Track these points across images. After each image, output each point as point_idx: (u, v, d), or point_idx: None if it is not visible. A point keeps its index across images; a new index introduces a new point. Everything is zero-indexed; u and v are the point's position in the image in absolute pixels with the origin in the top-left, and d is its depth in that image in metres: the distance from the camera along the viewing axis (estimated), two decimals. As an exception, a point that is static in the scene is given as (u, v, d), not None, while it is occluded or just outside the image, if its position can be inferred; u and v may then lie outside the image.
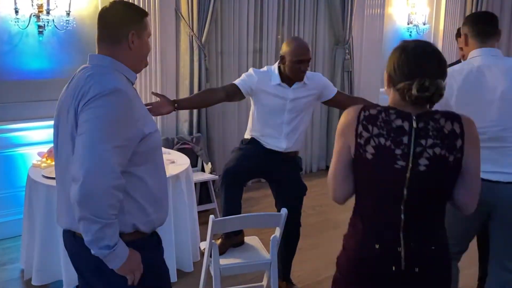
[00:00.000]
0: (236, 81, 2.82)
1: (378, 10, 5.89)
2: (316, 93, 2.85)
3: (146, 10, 1.73)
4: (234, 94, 2.80)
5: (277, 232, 2.52)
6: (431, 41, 6.59)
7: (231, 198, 2.74)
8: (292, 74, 2.73)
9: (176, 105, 2.58)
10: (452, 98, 2.14)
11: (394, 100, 1.53)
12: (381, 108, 1.51)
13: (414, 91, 1.44)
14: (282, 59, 2.74)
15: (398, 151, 1.46)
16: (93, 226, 1.47)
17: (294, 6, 5.23)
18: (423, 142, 1.46)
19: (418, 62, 1.46)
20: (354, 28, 5.63)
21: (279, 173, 2.88)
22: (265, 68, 2.87)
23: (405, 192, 1.48)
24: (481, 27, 2.26)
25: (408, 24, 6.22)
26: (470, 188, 1.53)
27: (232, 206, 2.73)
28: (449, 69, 2.04)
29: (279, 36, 5.22)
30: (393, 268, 1.51)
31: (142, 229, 1.64)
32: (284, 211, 2.47)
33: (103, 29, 1.66)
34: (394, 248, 1.50)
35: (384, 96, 6.27)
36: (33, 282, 2.98)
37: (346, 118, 1.55)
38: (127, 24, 1.63)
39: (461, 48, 3.05)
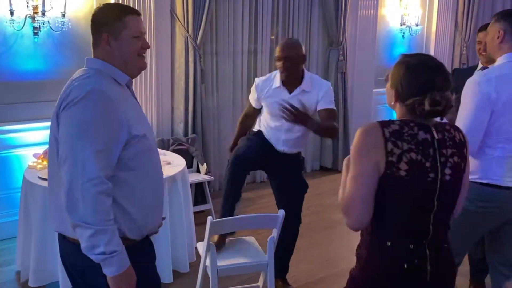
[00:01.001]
0: (249, 97, 3.06)
1: (372, 12, 5.94)
2: (315, 102, 2.85)
3: (137, 10, 1.70)
4: (253, 110, 3.04)
5: (274, 233, 2.55)
6: (424, 42, 6.67)
7: (235, 181, 2.85)
8: (279, 72, 2.84)
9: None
10: (498, 104, 2.05)
11: (403, 114, 1.55)
12: (400, 123, 1.50)
13: (426, 106, 1.46)
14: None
15: (427, 164, 1.49)
16: (85, 233, 1.48)
17: (289, 8, 5.26)
18: (444, 152, 1.51)
19: (427, 77, 1.49)
20: (348, 29, 5.66)
21: (281, 169, 2.93)
22: (267, 75, 3.00)
23: (435, 203, 1.51)
24: None
25: (401, 25, 6.27)
26: (464, 194, 1.62)
27: (233, 189, 2.85)
28: (492, 73, 2.06)
29: (272, 37, 5.25)
30: (419, 280, 1.53)
31: (129, 236, 1.62)
32: (281, 212, 2.50)
33: (92, 34, 1.68)
34: (423, 265, 1.52)
35: (377, 96, 6.27)
36: (30, 284, 2.98)
37: (368, 137, 1.49)
38: (101, 27, 1.64)
39: (478, 48, 3.05)
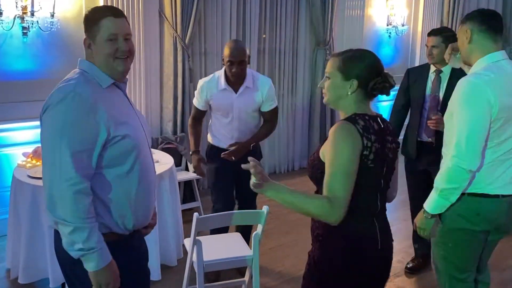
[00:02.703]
0: (194, 101, 3.18)
1: (358, 12, 6.02)
2: (260, 100, 3.03)
3: (120, 11, 1.71)
4: (201, 113, 3.17)
5: (259, 229, 2.62)
6: (410, 42, 6.78)
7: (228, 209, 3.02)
8: (229, 74, 2.96)
9: (199, 153, 3.17)
10: (494, 108, 1.92)
11: (356, 104, 1.70)
12: (358, 117, 1.66)
13: (386, 84, 1.66)
14: (222, 61, 2.97)
15: (385, 150, 1.69)
16: (64, 229, 1.55)
17: (276, 8, 5.32)
18: (387, 138, 1.71)
19: (377, 63, 1.71)
20: (335, 29, 5.74)
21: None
22: (210, 76, 3.10)
23: (382, 182, 1.71)
24: (494, 23, 2.02)
25: (387, 25, 6.36)
26: (397, 173, 1.88)
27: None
28: (479, 78, 1.91)
29: (264, 36, 5.31)
30: (374, 248, 1.71)
31: (115, 231, 1.68)
32: (266, 208, 2.58)
33: None
34: (375, 236, 1.71)
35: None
36: (20, 281, 3.01)
37: (353, 137, 1.59)
38: (84, 30, 1.70)
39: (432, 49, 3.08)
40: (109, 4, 3.98)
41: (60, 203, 1.53)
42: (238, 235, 2.92)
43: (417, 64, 6.63)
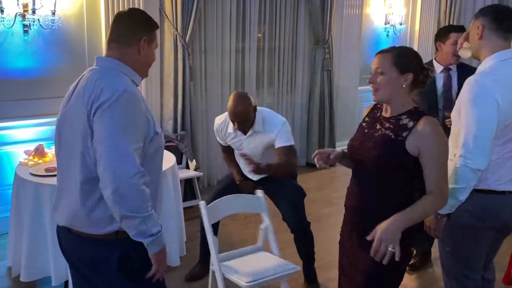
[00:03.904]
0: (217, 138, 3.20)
1: (357, 11, 6.05)
2: (271, 140, 2.92)
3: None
4: (227, 148, 3.19)
5: (266, 219, 2.68)
6: (407, 40, 6.81)
7: None
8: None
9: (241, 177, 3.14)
10: (502, 107, 1.91)
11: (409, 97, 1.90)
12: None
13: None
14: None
15: None
16: (134, 222, 1.57)
17: (275, 7, 5.34)
18: None
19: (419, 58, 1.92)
20: (333, 28, 5.76)
21: (273, 185, 3.03)
22: (224, 116, 3.06)
23: None
24: (506, 22, 2.00)
25: (385, 24, 6.39)
26: None
27: None
28: (487, 77, 1.90)
29: (259, 35, 5.33)
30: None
31: None
32: (261, 192, 2.73)
33: (117, 31, 1.72)
34: None
35: (361, 94, 6.36)
36: (22, 279, 3.01)
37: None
38: (141, 30, 1.71)
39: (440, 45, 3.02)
40: (109, 2, 3.99)
41: (130, 196, 1.55)
42: (264, 254, 2.78)
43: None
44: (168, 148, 4.14)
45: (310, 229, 3.02)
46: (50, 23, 3.75)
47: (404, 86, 1.78)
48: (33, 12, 3.61)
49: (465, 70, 2.92)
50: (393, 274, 1.86)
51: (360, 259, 1.88)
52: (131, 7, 4.05)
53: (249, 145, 2.98)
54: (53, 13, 3.73)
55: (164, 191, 3.17)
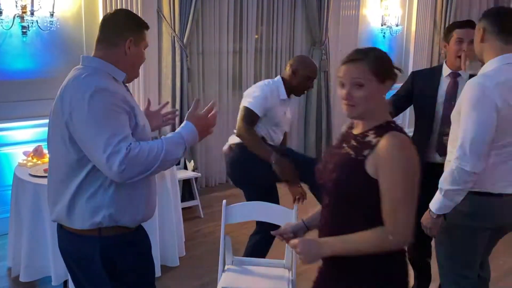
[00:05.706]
0: (253, 108, 2.76)
1: (353, 12, 6.08)
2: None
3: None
4: (257, 120, 2.80)
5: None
6: (404, 41, 6.85)
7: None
8: (300, 88, 2.91)
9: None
10: (502, 111, 1.88)
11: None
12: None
13: None
14: (295, 73, 2.84)
15: None
16: (166, 163, 1.65)
17: (273, 8, 5.37)
18: None
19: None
20: (330, 29, 5.79)
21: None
22: (270, 83, 2.89)
23: None
24: (507, 24, 1.94)
25: (381, 25, 6.42)
26: None
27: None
28: (488, 80, 1.85)
29: (256, 36, 5.36)
30: None
31: (126, 224, 1.70)
32: (295, 207, 2.51)
33: (103, 32, 1.74)
34: None
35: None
36: (21, 279, 3.02)
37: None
38: (126, 31, 1.72)
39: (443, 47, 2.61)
40: (107, 3, 4.01)
41: (140, 170, 1.58)
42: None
43: (411, 63, 6.71)
44: (166, 148, 4.16)
45: None
46: (48, 25, 3.76)
47: (384, 96, 1.50)
48: (32, 13, 3.63)
49: None
50: None
51: None
52: (128, 9, 4.09)
53: (292, 109, 3.01)
54: (52, 15, 3.74)
55: (163, 192, 3.20)
